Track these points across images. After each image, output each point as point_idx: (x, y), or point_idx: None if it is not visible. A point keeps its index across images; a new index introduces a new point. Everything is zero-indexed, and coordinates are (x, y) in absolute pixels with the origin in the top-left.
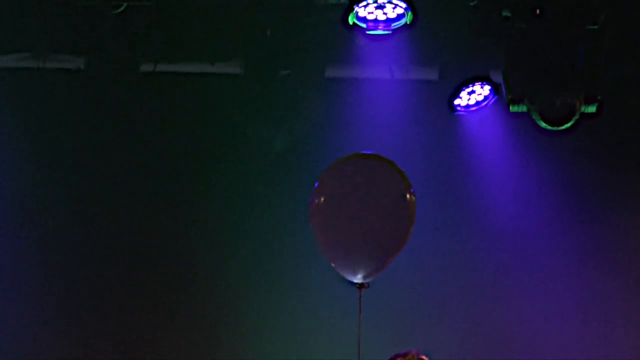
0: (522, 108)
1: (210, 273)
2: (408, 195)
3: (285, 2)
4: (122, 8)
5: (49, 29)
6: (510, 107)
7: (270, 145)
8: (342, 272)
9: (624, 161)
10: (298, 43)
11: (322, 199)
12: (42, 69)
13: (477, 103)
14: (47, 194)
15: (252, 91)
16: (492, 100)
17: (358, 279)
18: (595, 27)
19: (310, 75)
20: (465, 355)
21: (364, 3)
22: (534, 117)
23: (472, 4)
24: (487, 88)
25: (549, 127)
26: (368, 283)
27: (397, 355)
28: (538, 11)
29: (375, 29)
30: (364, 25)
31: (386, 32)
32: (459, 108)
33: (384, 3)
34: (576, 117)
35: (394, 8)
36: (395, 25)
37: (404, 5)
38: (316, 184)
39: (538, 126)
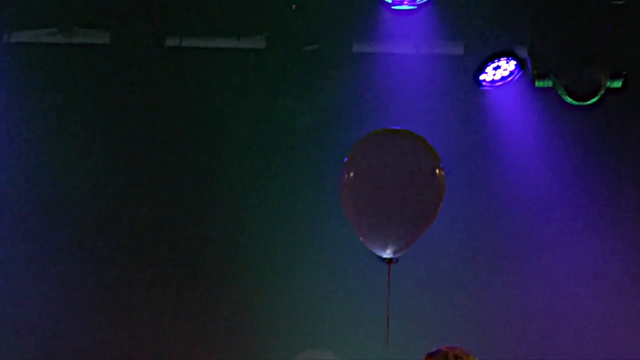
0: (548, 83)
1: (237, 249)
2: (437, 171)
3: None
4: None
5: (75, 4)
6: (536, 83)
7: (297, 120)
8: (371, 247)
9: None
10: (324, 18)
11: (352, 174)
12: (68, 44)
13: (503, 78)
14: (71, 169)
15: (278, 66)
16: (518, 76)
17: (387, 254)
18: (621, 2)
19: (337, 50)
20: (500, 334)
21: None
22: (559, 92)
23: None
24: (512, 63)
25: (574, 103)
26: (397, 258)
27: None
28: None
29: (401, 3)
30: (389, 0)
31: (411, 7)
32: (484, 83)
33: None
34: (602, 92)
35: None
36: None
37: None
38: (345, 159)
39: (563, 101)
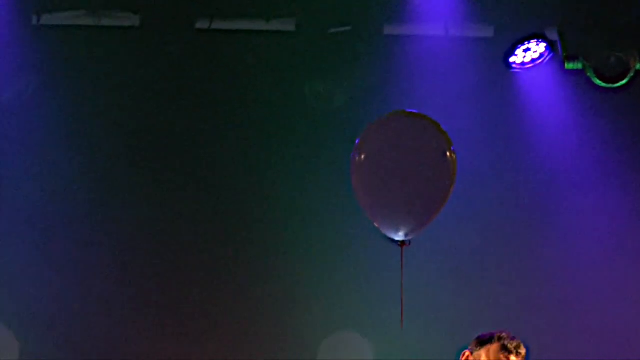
0: (578, 65)
1: (259, 225)
2: (448, 153)
3: None
4: None
5: None
6: (566, 65)
7: (327, 103)
8: (384, 229)
9: None
10: (354, 0)
11: (363, 156)
12: (97, 26)
13: (533, 60)
14: (101, 150)
15: (308, 48)
16: (548, 58)
17: (400, 236)
18: None
19: (368, 32)
20: (515, 317)
21: None
22: (589, 74)
23: None
24: (542, 45)
25: (603, 85)
26: (410, 240)
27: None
28: None
29: None
30: None
31: None
32: (514, 65)
33: None
34: (631, 74)
35: None
36: None
37: None
38: (357, 141)
39: (593, 83)
